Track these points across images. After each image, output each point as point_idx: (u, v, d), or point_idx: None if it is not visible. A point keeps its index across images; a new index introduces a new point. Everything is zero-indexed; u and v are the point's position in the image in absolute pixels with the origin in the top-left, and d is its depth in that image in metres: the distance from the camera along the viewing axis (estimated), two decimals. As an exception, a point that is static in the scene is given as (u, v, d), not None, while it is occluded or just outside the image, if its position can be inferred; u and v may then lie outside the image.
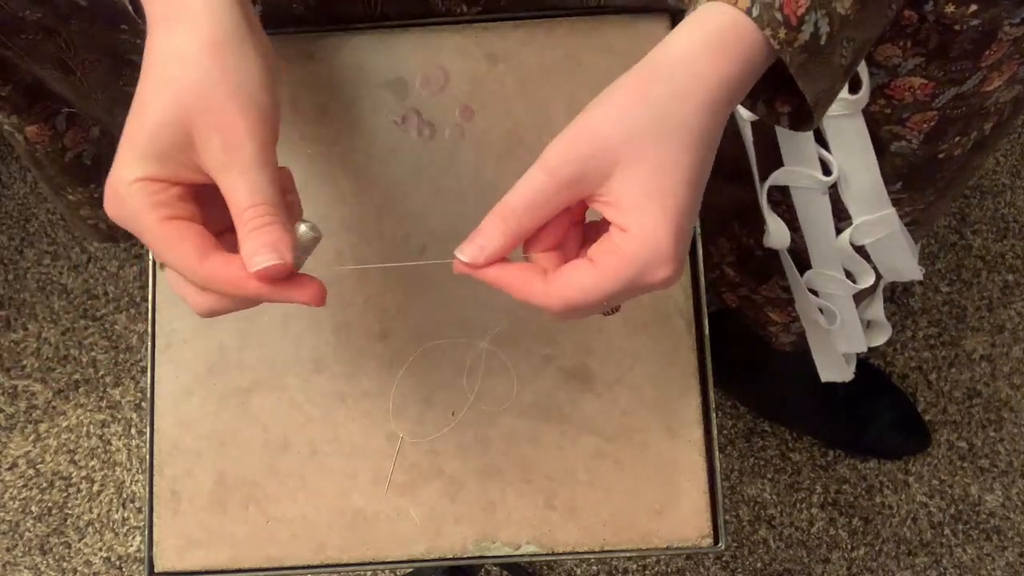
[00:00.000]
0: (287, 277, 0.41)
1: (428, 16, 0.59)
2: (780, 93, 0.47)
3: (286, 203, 0.43)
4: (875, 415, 1.08)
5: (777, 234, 0.70)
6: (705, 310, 0.57)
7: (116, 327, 1.15)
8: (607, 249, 0.42)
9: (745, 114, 0.63)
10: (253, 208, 0.40)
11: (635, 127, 0.40)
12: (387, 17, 0.60)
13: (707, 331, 0.57)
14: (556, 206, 0.42)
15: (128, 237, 0.92)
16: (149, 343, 0.57)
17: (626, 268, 0.41)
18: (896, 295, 1.15)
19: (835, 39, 0.43)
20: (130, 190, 0.40)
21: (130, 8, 0.51)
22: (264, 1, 0.61)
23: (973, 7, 0.50)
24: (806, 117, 0.46)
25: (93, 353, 1.15)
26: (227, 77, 0.40)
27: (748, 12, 0.41)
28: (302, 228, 0.42)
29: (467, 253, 0.43)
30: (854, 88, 0.56)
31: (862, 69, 0.55)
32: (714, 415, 0.56)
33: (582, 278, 0.42)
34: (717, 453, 0.56)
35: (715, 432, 0.56)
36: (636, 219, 0.41)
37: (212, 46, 0.41)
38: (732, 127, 0.67)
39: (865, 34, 0.44)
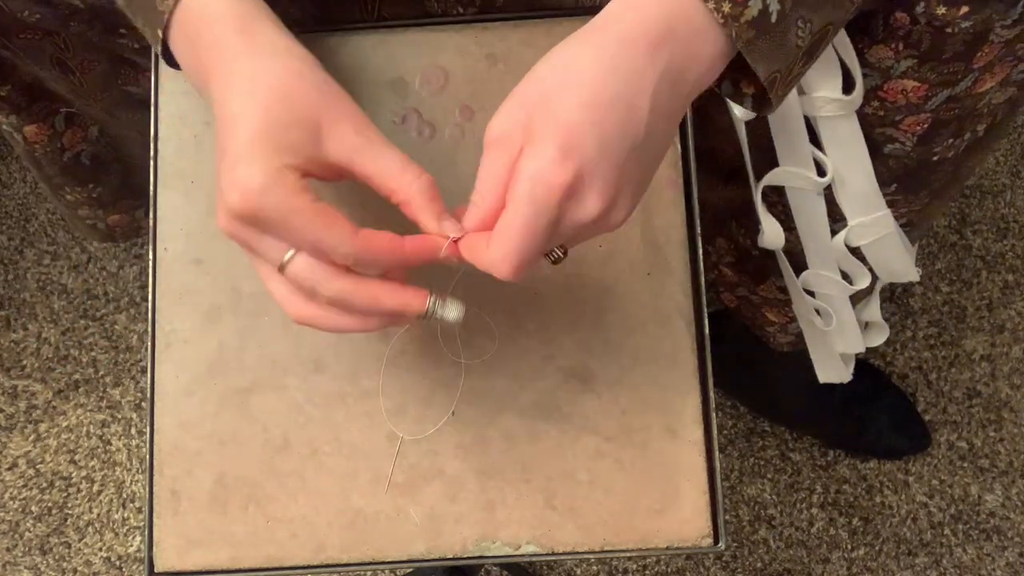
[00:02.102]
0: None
1: (435, 16, 0.59)
2: (747, 74, 0.47)
3: None
4: (875, 415, 1.08)
5: (771, 234, 0.70)
6: (705, 310, 0.57)
7: (116, 327, 1.15)
8: (513, 182, 0.42)
9: (740, 113, 0.63)
10: (411, 173, 0.44)
11: (571, 73, 0.42)
12: (386, 19, 0.60)
13: (707, 331, 0.57)
14: (507, 170, 0.43)
15: (126, 237, 0.92)
16: (149, 343, 0.57)
17: (530, 194, 0.41)
18: (896, 295, 1.15)
19: (788, 17, 0.42)
20: (281, 174, 0.42)
21: (159, 57, 0.52)
22: None
23: (964, 9, 0.49)
24: (768, 99, 0.46)
25: (93, 353, 1.15)
26: (330, 81, 0.45)
27: None
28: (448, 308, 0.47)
29: (469, 217, 0.44)
30: (847, 89, 0.56)
31: (855, 69, 0.55)
32: (714, 415, 0.56)
33: (505, 221, 0.42)
34: (717, 453, 0.56)
35: (715, 432, 0.56)
36: (530, 147, 0.42)
37: (308, 60, 0.45)
38: (727, 126, 0.67)
39: (824, 17, 0.44)
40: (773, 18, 0.42)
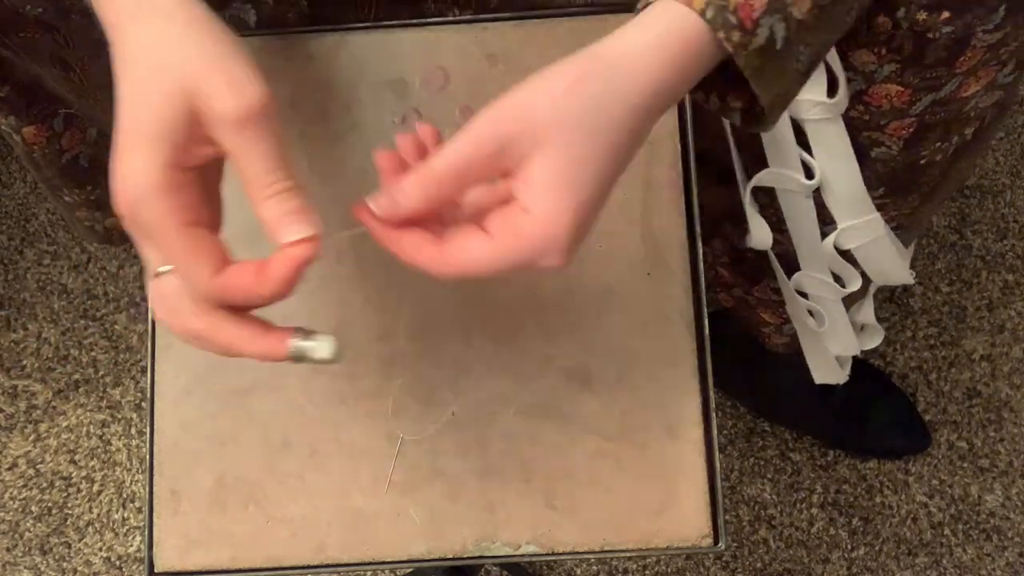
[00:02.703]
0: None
1: (435, 16, 0.59)
2: (734, 87, 0.47)
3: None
4: (875, 415, 1.08)
5: (759, 235, 0.69)
6: (705, 310, 0.57)
7: (116, 327, 1.15)
8: (507, 228, 0.41)
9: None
10: (269, 175, 0.40)
11: (565, 117, 0.40)
12: (387, 19, 0.60)
13: (707, 331, 0.57)
14: (476, 178, 0.42)
15: (124, 239, 0.92)
16: (149, 343, 0.57)
17: (522, 249, 0.41)
18: (896, 295, 1.15)
19: (792, 44, 0.43)
20: (158, 180, 0.39)
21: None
22: (258, 8, 0.61)
23: (945, 15, 0.49)
24: (758, 115, 0.46)
25: (93, 353, 1.15)
26: (217, 45, 0.40)
27: (702, 14, 0.41)
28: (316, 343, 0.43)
29: (381, 206, 0.42)
30: (831, 91, 0.56)
31: (839, 72, 0.55)
32: (714, 415, 0.56)
33: (477, 250, 0.41)
34: (717, 453, 0.56)
35: (715, 432, 0.56)
36: (543, 204, 0.41)
37: (194, 23, 0.40)
38: (719, 128, 0.67)
39: (823, 39, 0.44)
40: (778, 45, 0.42)
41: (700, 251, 0.57)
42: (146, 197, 0.39)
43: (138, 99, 0.40)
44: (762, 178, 0.64)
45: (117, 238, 0.90)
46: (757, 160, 0.64)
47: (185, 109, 0.39)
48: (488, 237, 0.42)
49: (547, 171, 0.41)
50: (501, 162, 0.41)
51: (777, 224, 0.68)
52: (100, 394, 1.14)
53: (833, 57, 0.55)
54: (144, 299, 1.15)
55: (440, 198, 0.42)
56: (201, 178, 0.42)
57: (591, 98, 0.41)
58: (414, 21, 0.60)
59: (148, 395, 0.57)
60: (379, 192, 0.43)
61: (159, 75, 0.39)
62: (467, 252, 0.42)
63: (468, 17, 0.59)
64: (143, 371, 1.14)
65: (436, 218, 0.44)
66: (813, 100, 0.56)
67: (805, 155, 0.61)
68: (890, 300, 1.14)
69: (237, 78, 0.39)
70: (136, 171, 0.39)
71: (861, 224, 0.64)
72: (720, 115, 0.49)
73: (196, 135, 0.40)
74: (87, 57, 0.65)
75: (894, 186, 0.63)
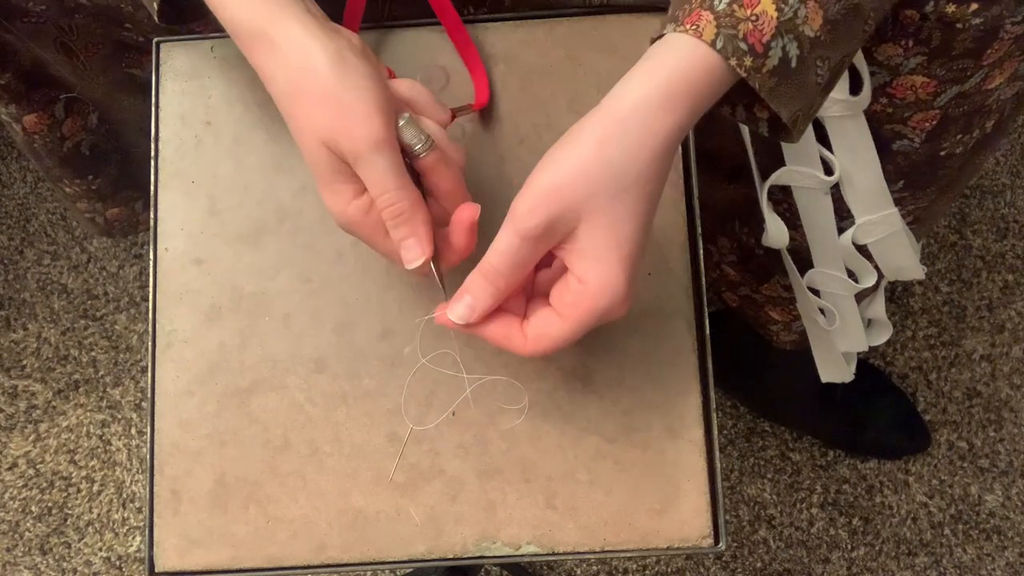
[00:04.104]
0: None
1: (436, 17, 0.59)
2: (759, 99, 0.48)
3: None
4: (875, 415, 1.08)
5: (776, 233, 0.69)
6: (706, 310, 0.57)
7: (116, 327, 1.15)
8: (570, 301, 0.46)
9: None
10: (386, 195, 0.46)
11: (594, 186, 0.44)
12: (395, 19, 0.60)
13: (707, 331, 0.57)
14: (533, 261, 0.46)
15: (125, 232, 0.92)
16: (149, 343, 0.57)
17: (589, 317, 0.45)
18: (896, 295, 1.15)
19: (807, 60, 0.44)
20: (350, 227, 0.49)
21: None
22: None
23: (974, 6, 0.49)
24: (784, 127, 0.47)
25: (93, 353, 1.15)
26: (344, 87, 0.46)
27: (712, 44, 0.42)
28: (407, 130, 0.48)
29: (458, 314, 0.47)
30: (855, 90, 0.56)
31: (863, 70, 0.55)
32: (714, 415, 0.56)
33: (555, 330, 0.46)
34: (717, 453, 0.56)
35: (715, 432, 0.56)
36: (596, 273, 0.45)
37: (331, 64, 0.46)
38: (731, 125, 0.67)
39: (841, 51, 0.45)
40: (793, 64, 0.43)
41: (700, 251, 0.57)
42: (349, 228, 0.49)
43: (305, 147, 0.47)
44: (780, 176, 0.64)
45: (118, 230, 0.90)
46: (773, 158, 0.64)
47: (331, 154, 0.47)
48: (559, 317, 0.46)
49: (593, 241, 0.44)
50: (550, 241, 0.45)
51: (791, 221, 0.69)
52: (100, 394, 1.14)
53: (857, 54, 0.55)
54: (144, 299, 1.15)
55: (507, 290, 0.47)
56: None
57: (611, 165, 0.44)
58: (414, 21, 0.60)
59: (148, 395, 0.57)
60: (453, 300, 0.48)
61: (309, 133, 0.47)
62: (547, 334, 0.47)
63: (468, 17, 0.59)
64: (143, 371, 1.14)
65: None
66: (835, 98, 0.57)
67: (825, 151, 0.61)
68: (890, 300, 1.14)
69: (357, 121, 0.45)
70: (333, 211, 0.48)
71: (879, 219, 0.64)
72: (748, 126, 0.50)
73: (351, 170, 0.47)
74: (91, 44, 0.65)
75: (913, 179, 0.64)
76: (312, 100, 0.46)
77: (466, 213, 0.48)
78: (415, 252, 0.48)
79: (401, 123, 0.48)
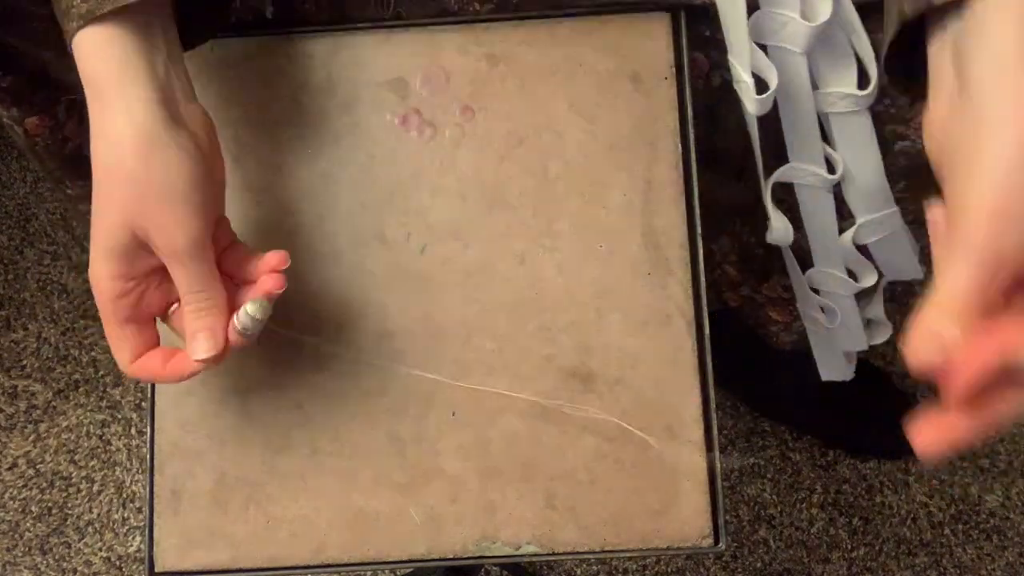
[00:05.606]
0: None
1: (443, 15, 0.59)
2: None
3: (238, 254, 0.50)
4: (875, 415, 1.08)
5: (780, 231, 0.69)
6: (706, 310, 0.57)
7: (116, 327, 1.15)
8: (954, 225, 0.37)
9: (752, 108, 0.63)
10: (191, 294, 0.47)
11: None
12: (400, 17, 0.60)
13: (708, 331, 0.57)
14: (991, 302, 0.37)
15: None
16: (149, 343, 0.57)
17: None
18: (897, 295, 1.15)
19: None
20: (99, 286, 0.47)
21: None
22: (275, 1, 0.61)
23: None
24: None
25: (93, 353, 1.15)
26: (152, 179, 0.45)
27: None
28: (247, 310, 0.49)
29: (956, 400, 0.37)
30: (863, 84, 0.56)
31: (871, 65, 0.55)
32: (714, 415, 0.56)
33: (958, 280, 0.36)
34: (717, 453, 0.56)
35: (715, 432, 0.56)
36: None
37: (138, 147, 0.45)
38: (736, 125, 0.67)
39: None
40: None
41: (700, 251, 0.57)
42: (97, 297, 0.48)
43: (99, 215, 0.46)
44: (783, 173, 0.64)
45: None
46: (776, 156, 0.64)
47: (132, 236, 0.46)
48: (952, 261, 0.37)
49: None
50: (1003, 272, 0.36)
51: (792, 219, 0.69)
52: (100, 394, 1.14)
53: (866, 49, 0.55)
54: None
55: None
56: (153, 274, 0.49)
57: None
58: (414, 21, 0.60)
59: (148, 395, 0.57)
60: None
61: (114, 205, 0.46)
62: (953, 294, 0.36)
63: (468, 17, 0.59)
64: (143, 371, 1.14)
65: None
66: (842, 92, 0.56)
67: (828, 149, 0.61)
68: (890, 300, 1.14)
69: (175, 222, 0.45)
70: (93, 277, 0.47)
71: (880, 218, 0.64)
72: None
73: (142, 253, 0.47)
74: None
75: (915, 180, 0.64)
76: (122, 183, 0.45)
77: (196, 366, 0.49)
78: (207, 345, 0.48)
79: (250, 309, 0.49)
